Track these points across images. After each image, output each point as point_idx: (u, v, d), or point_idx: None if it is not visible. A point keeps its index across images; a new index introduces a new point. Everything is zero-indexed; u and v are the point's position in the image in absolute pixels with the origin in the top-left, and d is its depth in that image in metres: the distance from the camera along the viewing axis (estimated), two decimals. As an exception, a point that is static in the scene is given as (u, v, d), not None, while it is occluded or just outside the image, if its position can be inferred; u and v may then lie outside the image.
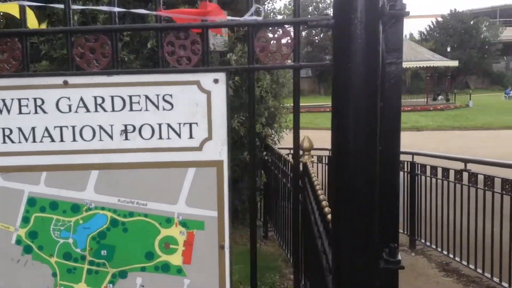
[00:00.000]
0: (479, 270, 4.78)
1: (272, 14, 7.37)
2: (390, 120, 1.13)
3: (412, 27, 60.54)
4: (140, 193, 1.37)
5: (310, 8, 57.14)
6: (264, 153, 5.99)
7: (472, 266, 4.89)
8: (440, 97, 34.46)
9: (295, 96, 1.42)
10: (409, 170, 5.96)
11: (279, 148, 5.87)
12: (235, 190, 5.57)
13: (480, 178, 4.71)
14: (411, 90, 46.59)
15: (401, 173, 5.81)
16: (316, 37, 54.90)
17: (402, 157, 5.61)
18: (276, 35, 1.34)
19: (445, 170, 5.25)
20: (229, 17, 1.70)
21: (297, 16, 1.35)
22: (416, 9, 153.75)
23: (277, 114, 6.41)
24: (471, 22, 56.80)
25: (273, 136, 6.47)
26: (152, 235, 1.37)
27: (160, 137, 1.35)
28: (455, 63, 31.36)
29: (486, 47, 56.85)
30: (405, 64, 30.12)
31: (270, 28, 1.35)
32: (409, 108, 28.97)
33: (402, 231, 5.91)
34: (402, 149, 1.32)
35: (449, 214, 5.25)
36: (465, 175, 4.93)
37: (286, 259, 5.10)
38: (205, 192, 1.36)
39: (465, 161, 5.15)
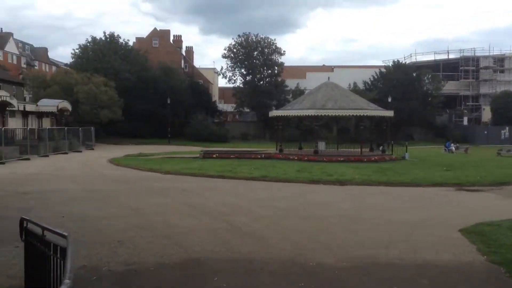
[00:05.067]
0: None
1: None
2: None
3: (356, 76, 60.65)
4: None
5: (255, 52, 56.21)
6: None
7: None
8: (381, 148, 33.10)
9: None
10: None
11: None
12: None
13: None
14: (356, 139, 45.50)
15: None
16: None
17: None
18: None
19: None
20: None
21: None
22: (360, 59, 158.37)
23: None
24: (414, 74, 57.25)
25: None
26: None
27: None
28: (390, 113, 30.06)
29: (429, 99, 57.24)
30: (338, 112, 28.60)
31: None
32: (342, 159, 27.15)
33: None
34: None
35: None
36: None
37: None
38: None
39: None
